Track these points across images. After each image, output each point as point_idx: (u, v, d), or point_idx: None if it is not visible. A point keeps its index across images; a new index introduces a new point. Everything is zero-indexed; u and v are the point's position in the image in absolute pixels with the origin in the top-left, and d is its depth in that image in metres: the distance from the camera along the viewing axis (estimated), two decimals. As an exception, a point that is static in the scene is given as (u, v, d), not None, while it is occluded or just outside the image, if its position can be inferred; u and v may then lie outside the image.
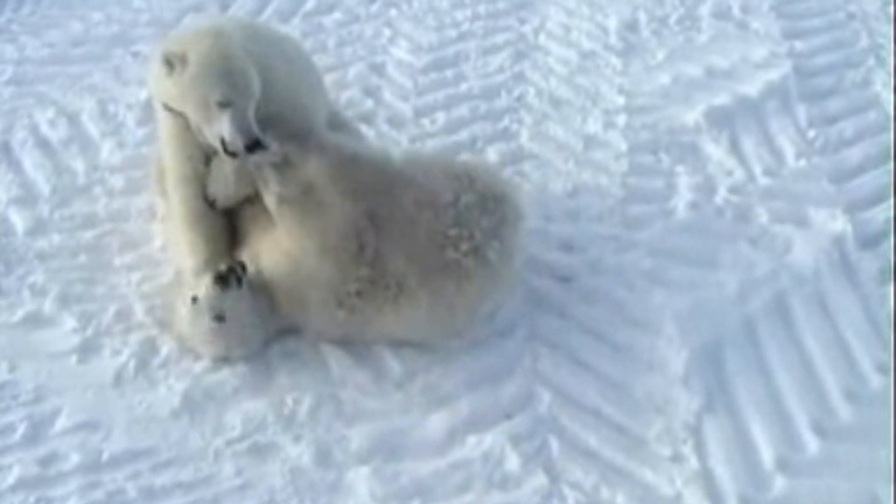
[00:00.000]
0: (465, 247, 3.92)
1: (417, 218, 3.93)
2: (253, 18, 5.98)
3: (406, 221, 3.93)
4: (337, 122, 4.59)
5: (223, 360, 3.98)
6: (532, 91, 5.45)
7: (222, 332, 3.92)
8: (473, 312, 4.03)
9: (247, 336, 3.96)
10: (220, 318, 3.89)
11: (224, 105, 3.89)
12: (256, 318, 3.95)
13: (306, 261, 3.90)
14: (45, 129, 5.17)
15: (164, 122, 4.19)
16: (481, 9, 6.10)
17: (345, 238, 3.88)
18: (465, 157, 4.88)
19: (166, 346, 4.07)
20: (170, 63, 3.92)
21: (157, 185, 4.50)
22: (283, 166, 3.97)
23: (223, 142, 3.92)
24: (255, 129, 3.92)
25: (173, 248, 4.38)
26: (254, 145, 3.92)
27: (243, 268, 3.93)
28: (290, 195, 3.94)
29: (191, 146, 4.14)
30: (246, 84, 3.91)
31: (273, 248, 3.99)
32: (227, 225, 4.22)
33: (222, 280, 3.88)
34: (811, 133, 5.11)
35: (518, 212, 4.11)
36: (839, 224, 4.54)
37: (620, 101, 5.36)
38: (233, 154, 3.94)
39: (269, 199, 3.98)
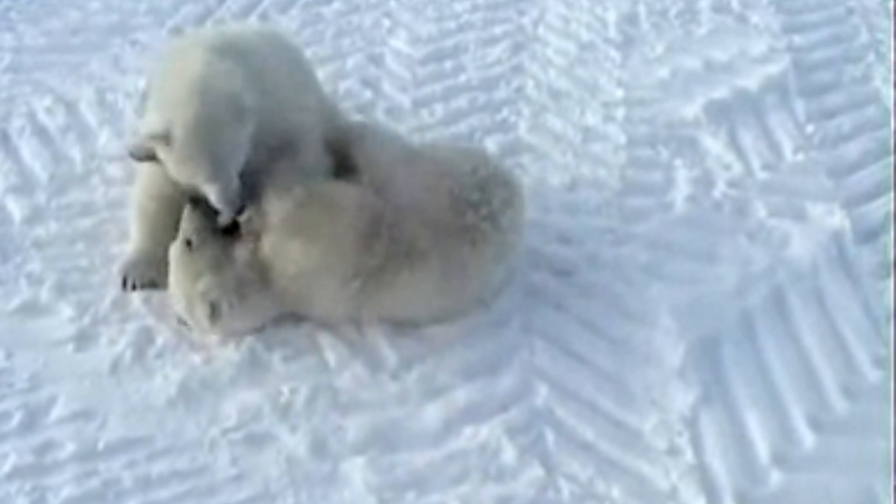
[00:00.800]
0: (484, 211, 3.99)
1: (437, 185, 4.01)
2: (250, 11, 5.98)
3: (424, 189, 4.00)
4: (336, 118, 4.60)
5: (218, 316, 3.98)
6: (531, 83, 5.45)
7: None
8: (485, 279, 4.08)
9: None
10: (188, 242, 3.99)
11: (209, 182, 3.90)
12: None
13: (318, 254, 3.92)
14: (42, 117, 5.16)
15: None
16: (480, 0, 6.10)
17: (359, 227, 3.92)
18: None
19: (163, 336, 4.07)
20: (156, 142, 3.89)
21: None
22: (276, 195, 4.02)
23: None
24: (241, 198, 3.95)
25: None
26: (240, 211, 3.98)
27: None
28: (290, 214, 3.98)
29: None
30: (229, 160, 3.90)
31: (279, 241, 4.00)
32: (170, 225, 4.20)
33: (194, 202, 3.99)
34: (810, 128, 5.11)
35: (522, 194, 4.23)
36: (837, 219, 4.54)
37: (619, 93, 5.36)
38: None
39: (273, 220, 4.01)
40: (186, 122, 3.84)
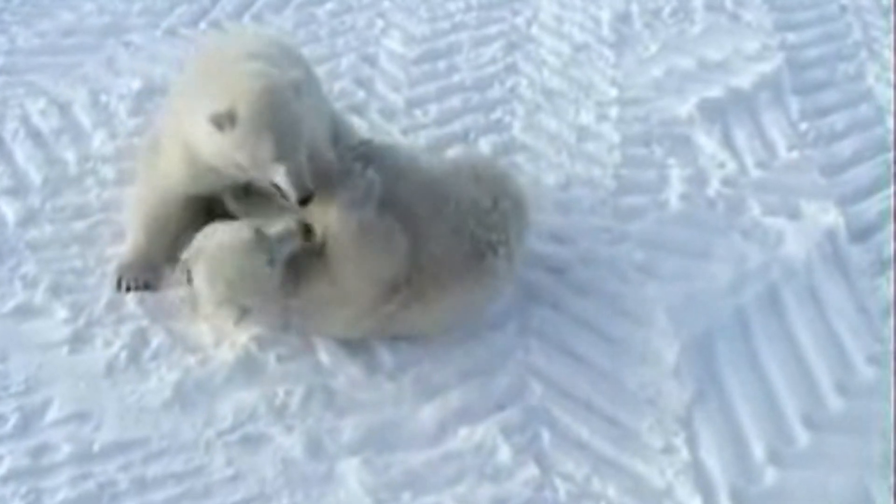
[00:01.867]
0: (502, 251, 3.98)
1: (462, 227, 3.95)
2: (244, 12, 5.97)
3: (450, 233, 3.94)
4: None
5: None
6: (525, 82, 5.45)
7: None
8: (489, 302, 4.09)
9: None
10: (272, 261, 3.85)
11: (278, 161, 3.79)
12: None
13: (347, 283, 3.90)
14: (36, 119, 5.15)
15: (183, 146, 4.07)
16: (474, 0, 6.10)
17: (390, 269, 3.89)
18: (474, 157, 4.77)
19: (158, 337, 4.06)
20: (218, 124, 3.79)
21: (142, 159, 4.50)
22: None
23: (278, 188, 3.85)
24: (309, 182, 3.81)
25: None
26: (307, 198, 3.83)
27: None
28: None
29: (206, 175, 4.06)
30: (297, 139, 3.81)
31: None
32: (173, 241, 4.19)
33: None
34: (803, 125, 5.12)
35: (531, 216, 4.22)
36: (831, 216, 4.55)
37: (613, 93, 5.36)
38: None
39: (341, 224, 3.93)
40: (250, 99, 3.78)
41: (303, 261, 3.89)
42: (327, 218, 3.89)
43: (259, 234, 3.82)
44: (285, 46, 4.53)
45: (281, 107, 3.81)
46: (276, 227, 3.86)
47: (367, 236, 3.82)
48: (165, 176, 4.18)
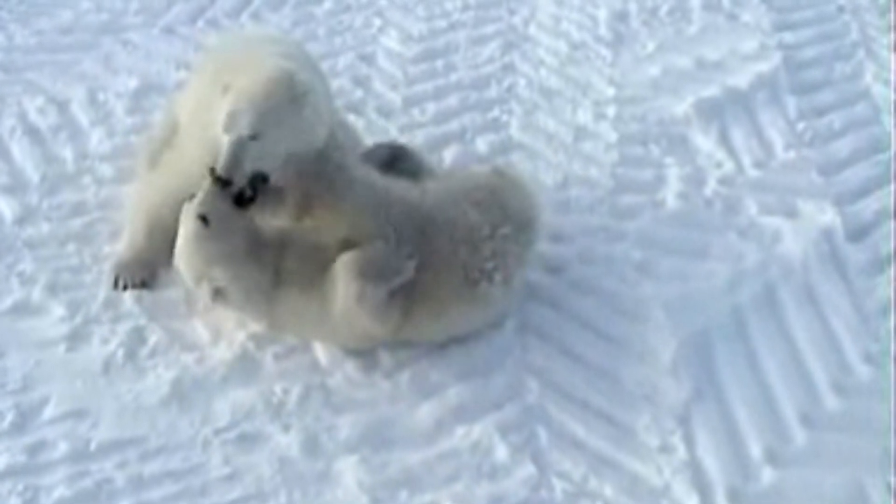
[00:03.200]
0: (497, 278, 3.95)
1: (453, 257, 3.91)
2: (242, 10, 5.98)
3: (441, 262, 3.90)
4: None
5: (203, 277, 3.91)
6: (522, 82, 5.45)
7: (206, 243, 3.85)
8: (494, 303, 4.05)
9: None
10: (203, 219, 3.80)
11: (227, 131, 3.77)
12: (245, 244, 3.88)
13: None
14: (34, 117, 5.15)
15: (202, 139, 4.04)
16: (471, -1, 6.11)
17: (378, 332, 3.91)
18: (485, 170, 4.48)
19: (155, 335, 4.06)
20: (224, 91, 3.82)
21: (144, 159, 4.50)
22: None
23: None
24: (236, 175, 3.75)
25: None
26: (238, 197, 3.81)
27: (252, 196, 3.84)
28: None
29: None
30: (264, 128, 3.75)
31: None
32: (171, 240, 4.07)
33: (221, 182, 3.78)
34: (800, 125, 5.12)
35: (539, 229, 4.16)
36: (828, 216, 4.55)
37: (610, 92, 5.37)
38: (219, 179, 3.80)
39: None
40: (251, 75, 3.81)
41: (292, 268, 3.89)
42: (335, 232, 3.87)
43: (192, 222, 3.81)
44: (304, 53, 4.49)
45: (270, 95, 3.78)
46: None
47: (365, 305, 3.78)
48: (177, 172, 4.17)
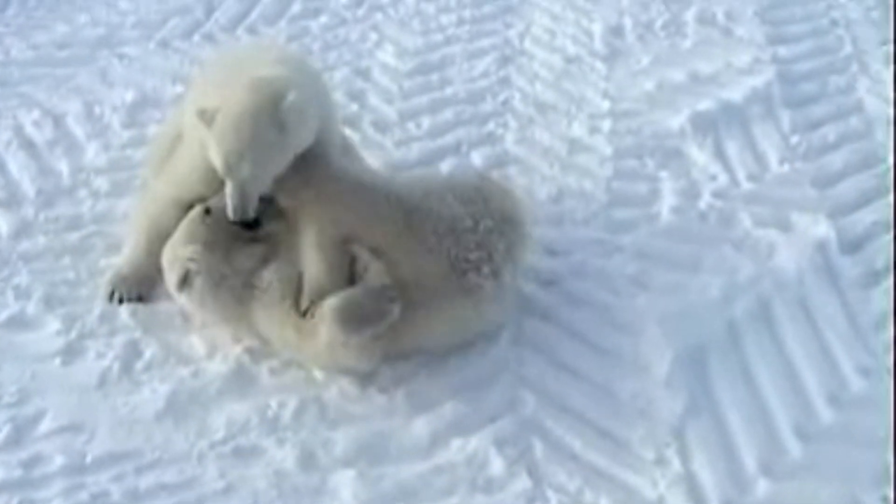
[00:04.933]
0: (486, 269, 3.94)
1: (438, 247, 3.92)
2: (238, 24, 5.99)
3: (425, 252, 3.92)
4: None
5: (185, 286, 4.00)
6: (517, 95, 5.47)
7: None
8: (486, 328, 4.07)
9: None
10: (208, 210, 4.01)
11: (226, 176, 3.84)
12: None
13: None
14: (30, 130, 5.17)
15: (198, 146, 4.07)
16: (467, 13, 6.12)
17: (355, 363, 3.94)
18: (470, 173, 4.73)
19: (150, 349, 4.06)
20: (202, 118, 3.85)
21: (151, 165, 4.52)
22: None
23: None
24: (251, 211, 3.85)
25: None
26: (247, 224, 3.90)
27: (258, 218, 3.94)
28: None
29: (207, 178, 4.05)
30: (254, 163, 3.79)
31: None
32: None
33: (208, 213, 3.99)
34: (794, 138, 5.14)
35: (527, 231, 4.15)
36: (822, 229, 4.56)
37: (605, 105, 5.38)
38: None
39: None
40: (231, 105, 3.80)
41: (270, 279, 3.94)
42: (324, 234, 3.91)
43: (197, 211, 4.03)
44: (306, 67, 4.47)
45: (252, 125, 3.79)
46: None
47: (349, 348, 3.84)
48: (176, 184, 4.21)
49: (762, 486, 3.61)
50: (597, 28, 5.96)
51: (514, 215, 4.12)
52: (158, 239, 4.18)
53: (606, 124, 5.25)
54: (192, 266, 3.93)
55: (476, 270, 3.93)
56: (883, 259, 4.47)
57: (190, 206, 4.11)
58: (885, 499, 3.58)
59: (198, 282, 3.94)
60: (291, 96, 3.81)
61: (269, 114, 3.80)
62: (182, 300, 4.03)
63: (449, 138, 5.15)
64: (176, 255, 3.99)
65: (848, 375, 4.00)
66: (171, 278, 4.01)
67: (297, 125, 3.86)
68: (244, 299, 3.94)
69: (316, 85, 4.24)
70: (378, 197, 3.98)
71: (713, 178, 4.89)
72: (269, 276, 3.93)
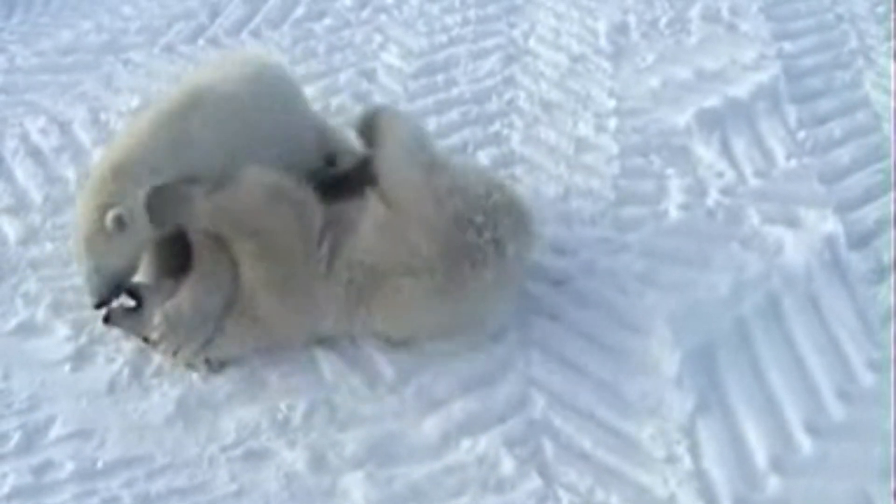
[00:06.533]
0: (487, 235, 3.98)
1: (446, 202, 3.99)
2: (242, 28, 6.00)
3: (434, 202, 3.99)
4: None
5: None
6: (523, 95, 5.46)
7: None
8: (483, 301, 4.06)
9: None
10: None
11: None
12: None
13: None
14: (36, 137, 5.17)
15: None
16: (471, 14, 6.11)
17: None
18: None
19: (159, 354, 4.06)
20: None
21: None
22: None
23: None
24: (99, 294, 4.02)
25: None
26: (102, 303, 4.06)
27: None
28: None
29: None
30: (86, 259, 3.99)
31: None
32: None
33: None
34: (801, 134, 5.13)
35: (535, 231, 4.23)
36: (830, 224, 4.55)
37: (611, 104, 5.37)
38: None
39: None
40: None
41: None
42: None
43: None
44: (258, 74, 4.50)
45: (82, 230, 3.98)
46: None
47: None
48: None
49: (773, 483, 3.61)
50: (601, 26, 5.95)
51: (526, 210, 4.21)
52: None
53: (612, 122, 5.24)
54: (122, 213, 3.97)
55: (477, 232, 3.97)
56: (891, 254, 4.46)
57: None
58: (893, 492, 3.57)
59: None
60: (113, 212, 3.90)
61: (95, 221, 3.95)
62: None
63: (455, 139, 5.14)
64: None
65: (857, 370, 4.00)
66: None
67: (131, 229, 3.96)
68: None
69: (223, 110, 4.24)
70: (404, 141, 4.24)
71: (720, 174, 4.88)
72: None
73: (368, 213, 4.04)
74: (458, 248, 3.96)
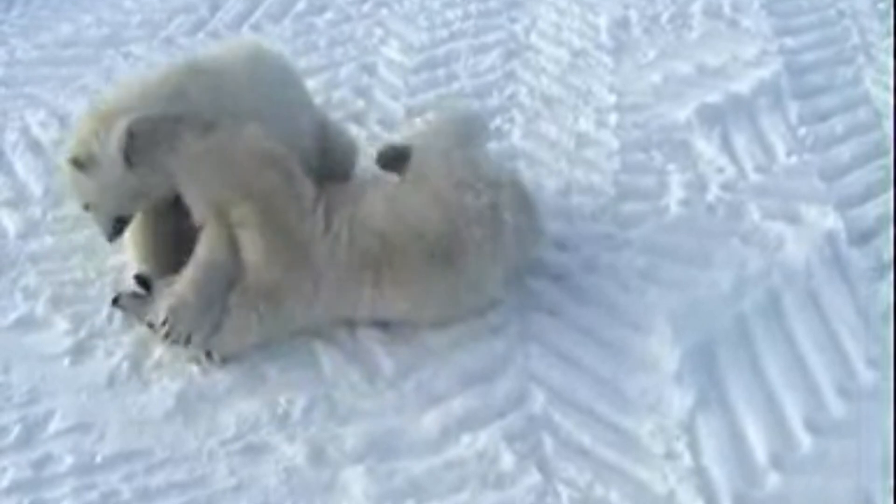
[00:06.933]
0: (484, 199, 4.02)
1: (456, 171, 4.10)
2: (243, 22, 5.99)
3: (446, 172, 4.10)
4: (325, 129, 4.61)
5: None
6: (524, 90, 5.46)
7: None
8: (481, 270, 4.06)
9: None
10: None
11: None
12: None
13: None
14: (36, 130, 5.17)
15: None
16: (472, 8, 6.12)
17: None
18: None
19: (159, 348, 4.06)
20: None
21: None
22: None
23: None
24: (111, 233, 4.14)
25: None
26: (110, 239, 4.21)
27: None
28: None
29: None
30: (92, 198, 4.07)
31: None
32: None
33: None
34: (802, 130, 5.13)
35: (538, 227, 4.28)
36: (830, 220, 4.55)
37: (612, 99, 5.37)
38: None
39: None
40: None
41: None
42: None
43: None
44: (256, 56, 4.52)
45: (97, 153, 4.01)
46: None
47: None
48: None
49: (773, 480, 3.61)
50: (603, 21, 5.95)
51: (532, 201, 4.28)
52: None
53: (613, 118, 5.24)
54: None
55: (476, 195, 4.03)
56: (891, 250, 4.46)
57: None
58: (891, 489, 3.57)
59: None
60: (69, 155, 4.05)
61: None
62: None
63: (456, 134, 5.13)
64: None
65: (858, 367, 3.99)
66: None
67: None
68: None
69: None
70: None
71: (721, 170, 4.88)
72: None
73: (378, 185, 4.15)
74: (457, 210, 4.00)
